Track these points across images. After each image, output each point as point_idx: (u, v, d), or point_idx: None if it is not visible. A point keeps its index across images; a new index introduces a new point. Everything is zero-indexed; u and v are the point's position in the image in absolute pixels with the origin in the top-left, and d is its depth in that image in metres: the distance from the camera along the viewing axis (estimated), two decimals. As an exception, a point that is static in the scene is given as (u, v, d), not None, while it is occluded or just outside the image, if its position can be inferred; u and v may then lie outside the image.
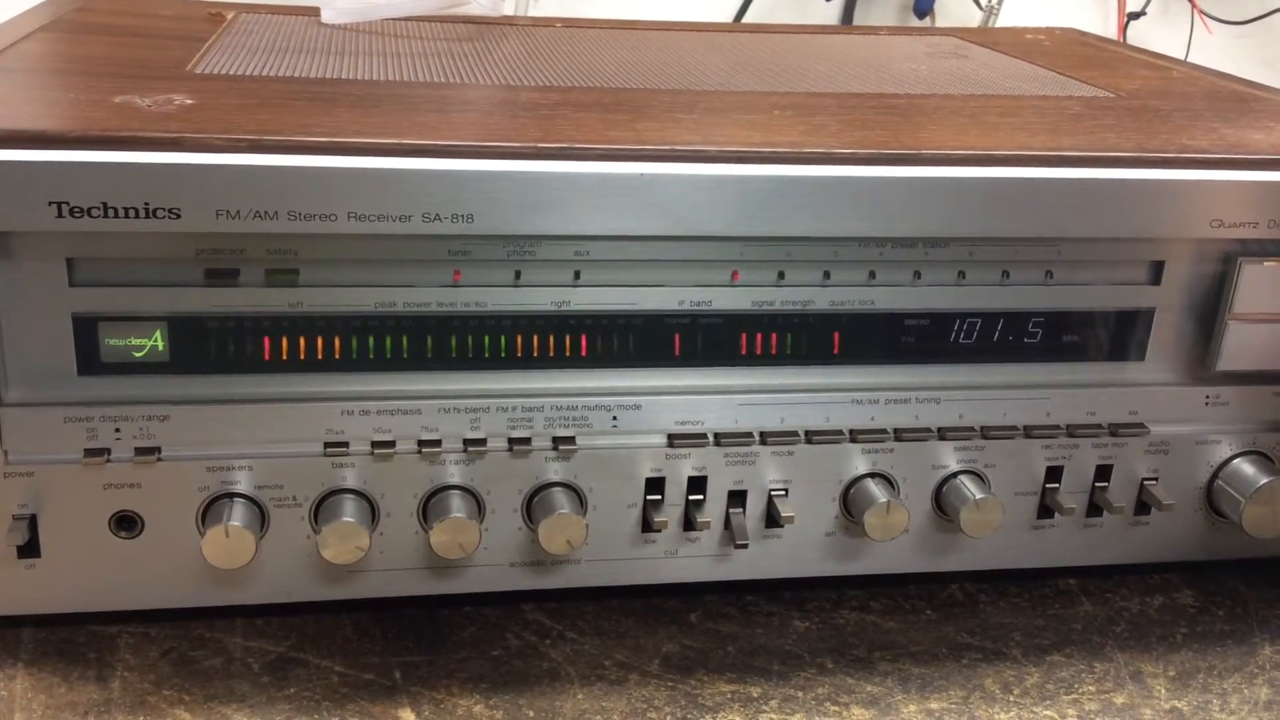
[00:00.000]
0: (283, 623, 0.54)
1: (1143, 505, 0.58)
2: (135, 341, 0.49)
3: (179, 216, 0.46)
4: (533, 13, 1.11)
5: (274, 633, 0.53)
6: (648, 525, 0.54)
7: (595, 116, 0.55)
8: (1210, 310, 0.56)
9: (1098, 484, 0.57)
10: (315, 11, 0.78)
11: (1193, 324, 0.56)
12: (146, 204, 0.45)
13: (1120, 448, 0.57)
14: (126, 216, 0.45)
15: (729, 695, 0.52)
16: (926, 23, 1.25)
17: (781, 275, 0.53)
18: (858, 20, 1.25)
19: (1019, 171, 0.51)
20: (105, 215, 0.45)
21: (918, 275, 0.54)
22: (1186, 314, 0.56)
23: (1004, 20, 1.24)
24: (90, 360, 0.49)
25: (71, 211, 0.45)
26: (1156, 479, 0.58)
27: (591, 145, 0.49)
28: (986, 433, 0.55)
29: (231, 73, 0.60)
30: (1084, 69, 0.75)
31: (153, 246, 0.47)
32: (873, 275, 0.53)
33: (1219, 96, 0.68)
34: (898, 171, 0.51)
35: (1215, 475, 0.58)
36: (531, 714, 0.50)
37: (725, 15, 1.24)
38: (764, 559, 0.56)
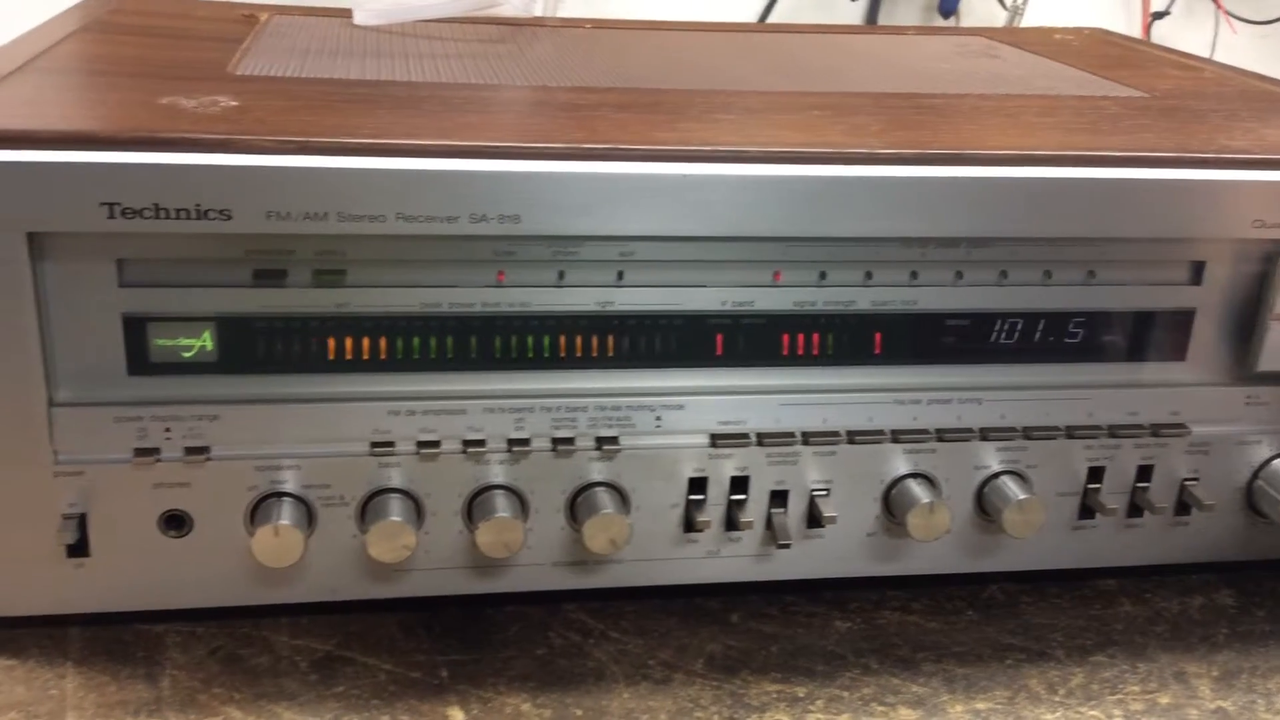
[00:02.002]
0: (327, 621, 0.54)
1: (1183, 505, 0.58)
2: (184, 341, 0.49)
3: (230, 218, 0.46)
4: (560, 14, 1.11)
5: (320, 631, 0.54)
6: (690, 525, 0.54)
7: (636, 117, 0.55)
8: (1251, 310, 0.56)
9: (1139, 484, 0.57)
10: (347, 13, 0.78)
11: (1233, 324, 0.56)
12: (198, 205, 0.46)
13: (1161, 448, 0.57)
14: (178, 218, 0.46)
15: (774, 695, 0.52)
16: (951, 22, 1.25)
17: (823, 275, 0.53)
18: (882, 19, 1.25)
19: (1060, 171, 0.52)
20: (157, 216, 0.45)
21: (959, 275, 0.54)
22: (1227, 314, 0.56)
23: (1027, 19, 1.24)
24: (140, 360, 0.49)
25: (123, 212, 0.45)
26: (1197, 479, 0.58)
27: (636, 146, 0.49)
28: (1028, 433, 0.55)
29: (272, 74, 0.60)
30: (1115, 69, 0.75)
31: (201, 247, 0.48)
32: (915, 275, 0.53)
33: (1253, 97, 0.68)
34: (940, 171, 0.51)
35: (1255, 475, 0.58)
36: (579, 713, 0.50)
37: (749, 15, 1.24)
38: (805, 559, 0.56)
